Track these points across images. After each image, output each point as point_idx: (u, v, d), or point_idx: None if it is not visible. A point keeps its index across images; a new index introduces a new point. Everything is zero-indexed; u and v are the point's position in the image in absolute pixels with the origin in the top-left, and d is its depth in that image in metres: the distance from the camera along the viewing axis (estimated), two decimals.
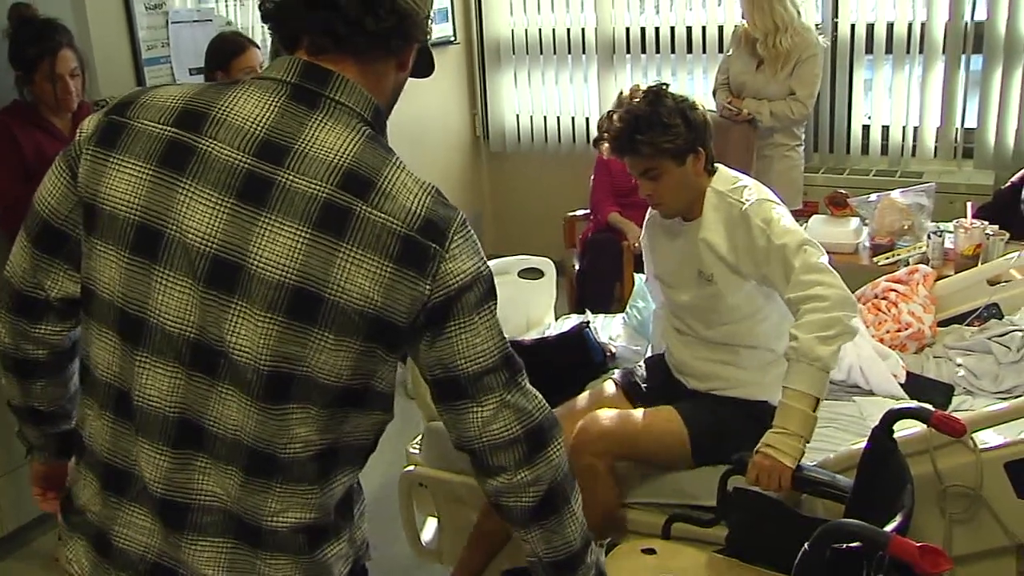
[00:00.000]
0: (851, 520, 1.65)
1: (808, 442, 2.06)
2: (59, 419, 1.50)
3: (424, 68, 1.39)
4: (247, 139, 1.20)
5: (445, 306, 1.23)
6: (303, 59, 1.25)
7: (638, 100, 2.31)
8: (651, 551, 2.18)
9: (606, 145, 2.36)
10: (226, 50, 3.46)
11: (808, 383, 2.05)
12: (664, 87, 2.33)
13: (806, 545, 1.59)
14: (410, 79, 1.38)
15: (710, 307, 2.41)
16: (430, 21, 1.32)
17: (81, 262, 1.29)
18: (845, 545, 1.56)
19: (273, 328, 1.18)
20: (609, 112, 2.35)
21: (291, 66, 1.25)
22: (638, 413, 2.47)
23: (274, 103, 1.23)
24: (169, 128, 1.22)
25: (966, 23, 4.62)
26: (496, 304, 1.29)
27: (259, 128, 1.21)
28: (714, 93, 4.68)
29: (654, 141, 2.26)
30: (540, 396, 1.35)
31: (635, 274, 3.53)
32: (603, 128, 2.36)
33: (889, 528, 1.59)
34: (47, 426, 1.49)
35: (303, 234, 1.17)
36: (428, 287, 1.21)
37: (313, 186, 1.18)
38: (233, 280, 1.19)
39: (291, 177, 1.19)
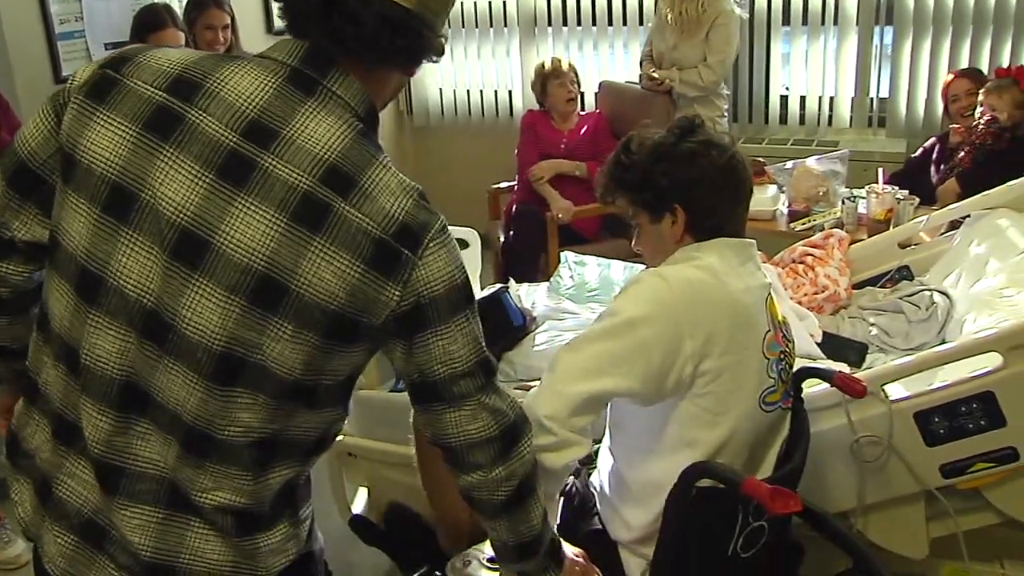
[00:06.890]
0: (711, 461, 1.70)
1: None
2: (25, 356, 1.47)
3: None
4: (237, 116, 1.19)
5: (417, 313, 1.23)
6: (307, 44, 1.23)
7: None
8: None
9: None
10: (147, 22, 3.42)
11: None
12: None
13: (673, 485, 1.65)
14: None
15: None
16: (444, 38, 1.30)
17: (52, 209, 1.27)
18: (712, 484, 1.62)
19: (233, 310, 1.18)
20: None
21: (294, 49, 1.23)
22: None
23: (270, 83, 1.21)
24: (160, 93, 1.20)
25: None
26: (474, 310, 1.29)
27: (251, 107, 1.19)
28: (640, 65, 4.76)
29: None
30: (511, 395, 1.38)
31: (561, 251, 3.56)
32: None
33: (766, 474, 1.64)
34: (14, 362, 1.46)
35: (278, 222, 1.16)
36: (397, 293, 1.21)
37: (295, 176, 1.17)
38: (198, 256, 1.17)
39: (274, 163, 1.18)
